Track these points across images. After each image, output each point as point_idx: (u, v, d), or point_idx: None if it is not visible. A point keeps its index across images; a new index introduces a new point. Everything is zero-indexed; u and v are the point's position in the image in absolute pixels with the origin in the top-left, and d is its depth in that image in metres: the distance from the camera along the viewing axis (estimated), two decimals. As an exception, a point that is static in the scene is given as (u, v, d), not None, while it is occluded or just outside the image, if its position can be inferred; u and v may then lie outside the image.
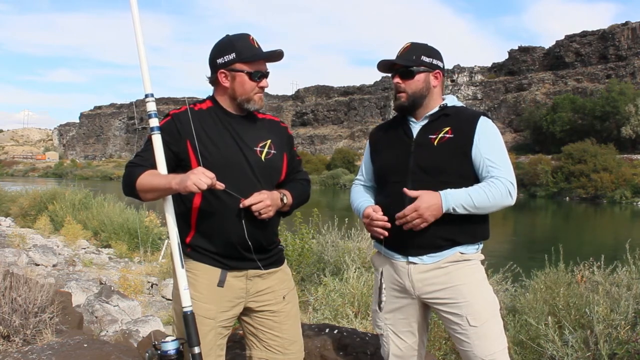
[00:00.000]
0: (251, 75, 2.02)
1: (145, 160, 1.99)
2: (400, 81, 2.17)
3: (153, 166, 1.97)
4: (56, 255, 9.17)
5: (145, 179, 1.94)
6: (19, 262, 7.71)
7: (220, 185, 1.89)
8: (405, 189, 2.07)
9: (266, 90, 2.13)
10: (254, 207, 1.94)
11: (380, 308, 2.22)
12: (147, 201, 2.06)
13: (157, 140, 1.97)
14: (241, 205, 1.94)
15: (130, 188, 1.97)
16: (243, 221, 1.98)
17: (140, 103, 1.98)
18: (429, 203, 2.03)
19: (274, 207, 2.00)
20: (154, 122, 1.98)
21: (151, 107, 2.00)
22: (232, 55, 2.00)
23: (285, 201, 2.07)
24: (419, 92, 2.17)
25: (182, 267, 1.95)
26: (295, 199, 2.13)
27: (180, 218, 2.02)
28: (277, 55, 2.06)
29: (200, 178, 1.82)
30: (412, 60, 2.15)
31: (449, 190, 2.05)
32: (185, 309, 1.92)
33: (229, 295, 2.05)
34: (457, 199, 2.04)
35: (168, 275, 8.02)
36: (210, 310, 2.01)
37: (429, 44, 2.22)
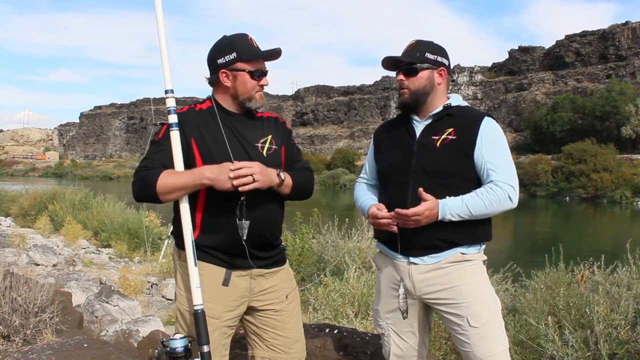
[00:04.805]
0: (252, 74, 2.04)
1: (156, 162, 1.98)
2: (403, 78, 2.16)
3: (165, 167, 1.96)
4: (56, 255, 9.17)
5: (167, 179, 1.92)
6: (19, 262, 7.71)
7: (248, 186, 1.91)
8: (421, 190, 2.04)
9: (266, 90, 2.15)
10: (240, 172, 1.88)
11: (404, 316, 2.17)
12: (165, 202, 1.99)
13: (175, 136, 1.97)
14: (230, 173, 1.89)
15: (148, 192, 1.94)
16: (245, 217, 1.97)
17: (154, 101, 1.97)
18: (429, 210, 2.03)
19: (265, 178, 1.94)
20: (173, 119, 1.98)
21: (171, 103, 1.99)
22: (233, 55, 2.02)
23: (282, 177, 2.02)
24: (422, 89, 2.16)
25: (195, 265, 1.94)
26: (295, 180, 2.10)
27: None
28: (275, 54, 2.09)
29: (245, 178, 1.88)
30: (416, 57, 2.14)
31: (447, 199, 2.05)
32: (196, 307, 1.92)
33: (234, 294, 2.05)
34: (453, 209, 2.04)
35: (168, 275, 8.02)
36: (215, 310, 2.01)
37: (434, 42, 2.21)
